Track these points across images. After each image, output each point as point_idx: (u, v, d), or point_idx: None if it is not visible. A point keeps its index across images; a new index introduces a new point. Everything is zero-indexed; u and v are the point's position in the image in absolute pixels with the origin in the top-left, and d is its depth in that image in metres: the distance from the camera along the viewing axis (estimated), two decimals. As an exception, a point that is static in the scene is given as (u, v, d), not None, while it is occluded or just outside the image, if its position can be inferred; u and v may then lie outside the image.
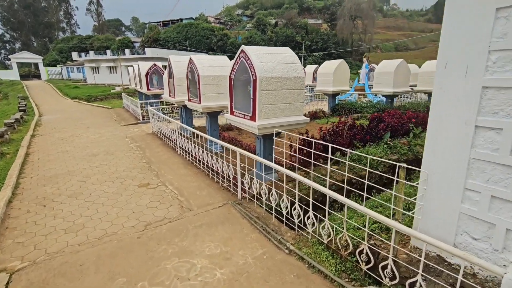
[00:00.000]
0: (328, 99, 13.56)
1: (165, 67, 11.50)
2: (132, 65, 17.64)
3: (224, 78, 7.03)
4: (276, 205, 3.92)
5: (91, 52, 41.68)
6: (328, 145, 3.61)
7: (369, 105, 13.01)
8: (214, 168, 5.65)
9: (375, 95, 16.15)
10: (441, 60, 2.10)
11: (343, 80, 12.98)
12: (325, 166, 4.40)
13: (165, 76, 9.83)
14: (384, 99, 14.32)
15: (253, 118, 4.72)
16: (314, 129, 9.30)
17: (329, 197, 2.95)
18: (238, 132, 9.84)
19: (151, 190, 5.45)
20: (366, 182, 2.84)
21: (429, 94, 13.47)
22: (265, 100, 4.56)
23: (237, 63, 4.94)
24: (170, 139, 8.44)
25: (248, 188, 4.61)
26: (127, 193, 5.31)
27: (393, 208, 2.45)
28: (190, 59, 7.06)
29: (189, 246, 3.51)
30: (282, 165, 6.16)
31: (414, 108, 11.77)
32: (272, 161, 5.40)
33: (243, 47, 4.69)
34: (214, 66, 7.01)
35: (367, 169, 2.93)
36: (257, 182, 4.34)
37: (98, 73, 41.29)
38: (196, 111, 14.09)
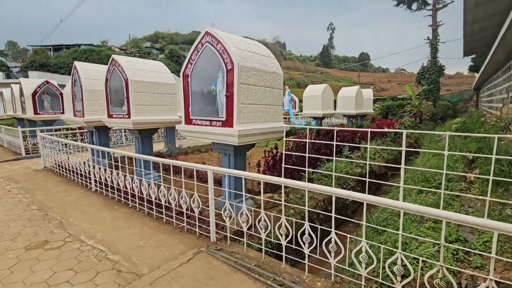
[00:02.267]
0: (262, 123, 13.17)
1: (63, 87, 8.84)
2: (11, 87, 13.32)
3: (162, 86, 5.47)
4: (288, 241, 2.62)
5: None
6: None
7: (300, 127, 13.24)
8: (162, 203, 3.89)
9: (298, 120, 17.01)
10: None
11: (276, 103, 12.93)
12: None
13: (67, 90, 7.35)
14: (305, 122, 15.10)
15: (228, 123, 3.41)
16: (258, 153, 8.46)
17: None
18: (173, 158, 8.00)
19: (54, 251, 3.24)
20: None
21: (348, 116, 14.84)
22: (244, 97, 3.36)
23: (198, 52, 3.65)
24: (77, 173, 5.97)
25: (231, 223, 3.15)
26: (1, 265, 2.96)
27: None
28: (113, 59, 5.26)
29: None
30: (252, 189, 4.90)
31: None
32: (244, 183, 4.11)
33: (208, 28, 3.47)
34: (148, 71, 5.41)
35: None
36: (249, 211, 2.95)
37: (-50, 102, 30.79)
38: (111, 136, 11.36)
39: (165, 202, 3.87)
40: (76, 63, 6.54)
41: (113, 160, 5.23)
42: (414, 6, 24.43)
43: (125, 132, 11.96)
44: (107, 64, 5.43)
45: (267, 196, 4.46)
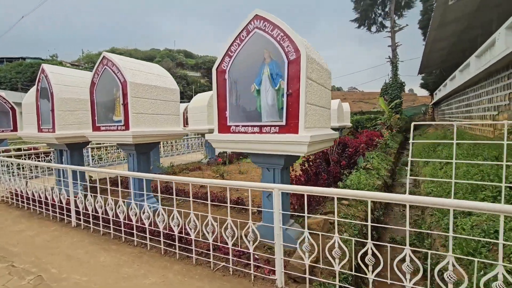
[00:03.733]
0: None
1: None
2: None
3: (166, 92, 4.56)
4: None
5: None
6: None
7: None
8: (192, 237, 2.92)
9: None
10: None
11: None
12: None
13: (28, 99, 5.91)
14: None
15: (289, 128, 2.68)
16: (251, 168, 8.35)
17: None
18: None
19: (44, 330, 2.09)
20: None
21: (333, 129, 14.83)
22: (310, 96, 2.69)
23: (241, 41, 2.90)
24: (47, 204, 4.58)
25: (321, 262, 2.35)
26: None
27: None
28: (104, 57, 4.22)
29: None
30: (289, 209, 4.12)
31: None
32: (289, 204, 3.37)
33: (258, 11, 2.77)
34: (147, 73, 4.47)
35: None
36: (312, 245, 2.19)
37: None
38: (86, 154, 9.62)
39: (198, 236, 2.92)
40: (44, 65, 5.27)
41: (86, 184, 4.07)
42: (374, 28, 26.52)
43: (92, 151, 10.31)
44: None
45: (313, 218, 3.73)
